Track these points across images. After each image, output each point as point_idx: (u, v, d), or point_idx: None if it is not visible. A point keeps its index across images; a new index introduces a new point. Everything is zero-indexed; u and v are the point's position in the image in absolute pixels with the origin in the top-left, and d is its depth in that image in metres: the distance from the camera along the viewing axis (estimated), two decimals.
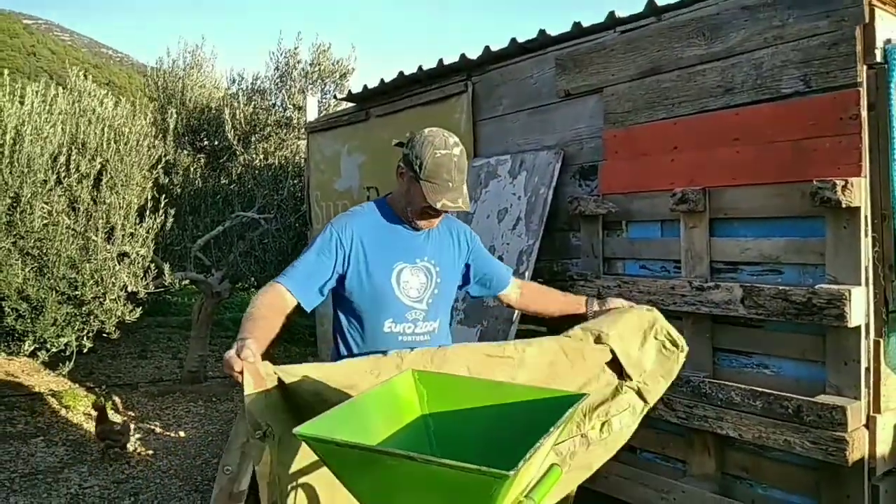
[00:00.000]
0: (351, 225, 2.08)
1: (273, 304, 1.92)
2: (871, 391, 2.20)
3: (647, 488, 2.64)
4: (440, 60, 3.89)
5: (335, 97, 7.41)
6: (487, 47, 3.61)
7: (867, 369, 2.18)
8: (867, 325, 2.18)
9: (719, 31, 2.51)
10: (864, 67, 2.15)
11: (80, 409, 5.54)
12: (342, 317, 2.14)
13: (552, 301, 2.35)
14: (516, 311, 3.08)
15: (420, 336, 2.10)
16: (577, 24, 3.17)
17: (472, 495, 1.08)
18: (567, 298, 2.34)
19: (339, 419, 1.31)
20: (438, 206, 1.96)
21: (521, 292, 2.35)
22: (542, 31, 3.30)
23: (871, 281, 2.19)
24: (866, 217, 2.16)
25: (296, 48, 7.84)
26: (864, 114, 2.14)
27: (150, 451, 4.76)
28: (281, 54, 7.88)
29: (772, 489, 2.40)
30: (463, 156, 2.02)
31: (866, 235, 2.16)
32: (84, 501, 3.91)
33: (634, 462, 2.81)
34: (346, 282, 2.06)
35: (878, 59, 2.14)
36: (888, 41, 2.16)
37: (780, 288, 2.24)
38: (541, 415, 1.31)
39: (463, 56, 3.74)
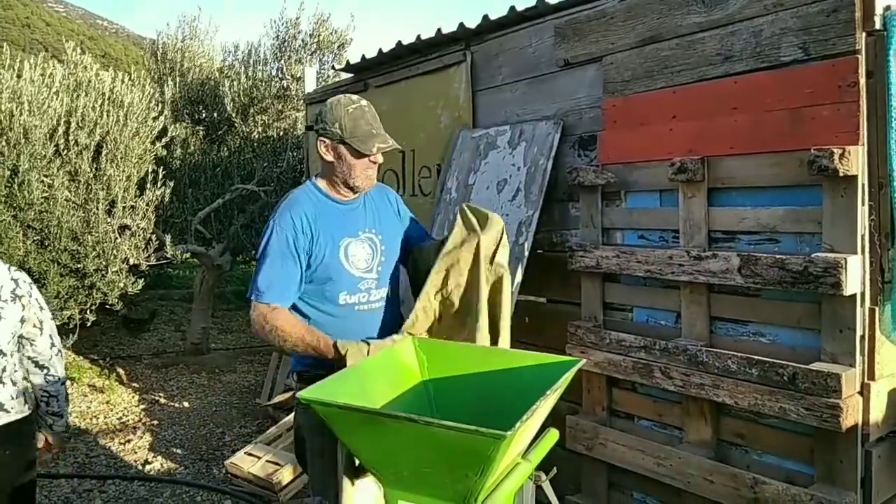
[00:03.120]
0: (297, 217, 2.13)
1: (292, 320, 2.04)
2: (866, 359, 2.22)
3: (645, 455, 2.68)
4: (438, 29, 3.86)
5: (333, 68, 7.36)
6: (486, 16, 3.59)
7: (862, 337, 2.20)
8: (863, 294, 2.20)
9: None
10: (864, 34, 2.14)
11: (84, 381, 5.61)
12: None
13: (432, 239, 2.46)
14: (516, 282, 3.10)
15: (374, 304, 2.20)
16: None
17: (471, 456, 1.11)
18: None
19: (343, 383, 1.34)
20: (374, 150, 2.08)
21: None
22: None
23: (867, 249, 2.20)
24: (863, 185, 2.16)
25: (297, 18, 7.77)
26: (863, 81, 2.13)
27: (156, 422, 4.83)
28: (282, 23, 7.81)
29: (767, 455, 2.43)
30: (371, 107, 2.15)
31: (863, 204, 2.17)
32: (92, 470, 3.98)
33: (631, 429, 2.85)
34: (301, 268, 2.14)
35: (878, 25, 2.13)
36: (888, 8, 2.14)
37: (777, 257, 2.26)
38: (536, 379, 1.34)
39: (461, 25, 3.71)
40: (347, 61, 4.81)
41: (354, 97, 2.17)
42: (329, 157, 2.15)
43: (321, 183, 2.22)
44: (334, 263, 2.12)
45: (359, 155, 2.09)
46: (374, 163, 2.15)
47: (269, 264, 2.06)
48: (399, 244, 2.33)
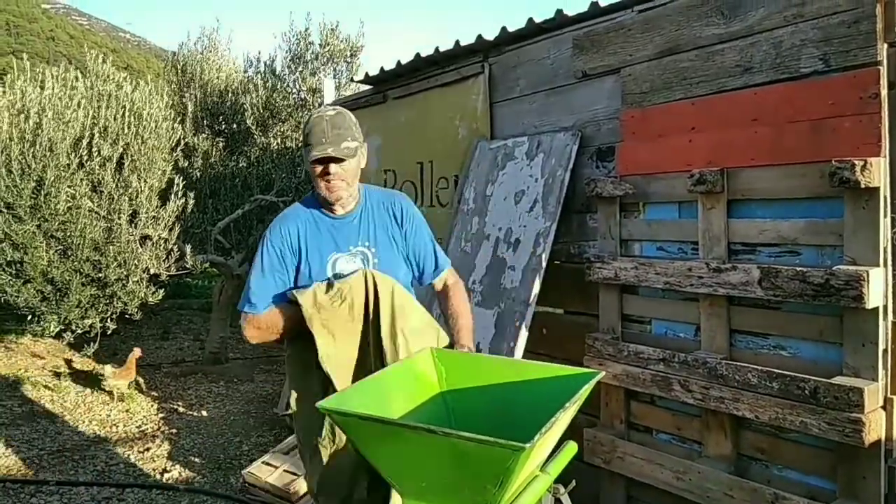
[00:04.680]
0: (286, 231, 2.14)
1: (271, 313, 2.06)
2: (889, 373, 2.19)
3: (663, 469, 2.66)
4: (457, 41, 3.88)
5: (352, 80, 7.42)
6: (504, 28, 3.60)
7: (885, 351, 2.17)
8: (885, 307, 2.17)
9: (738, 9, 2.49)
10: (885, 45, 2.13)
11: (105, 389, 5.66)
12: None
13: (451, 317, 2.25)
14: (533, 294, 3.10)
15: None
16: (594, 4, 3.15)
17: (490, 467, 1.11)
18: (456, 324, 2.21)
19: (362, 394, 1.34)
20: (310, 158, 2.04)
21: (441, 289, 2.31)
22: (559, 11, 3.29)
23: (889, 262, 2.18)
24: (885, 198, 2.14)
25: (306, 29, 7.85)
26: (885, 93, 2.11)
27: (174, 430, 4.86)
28: (293, 35, 7.90)
29: (787, 470, 2.40)
30: (339, 115, 2.09)
31: (885, 216, 2.14)
32: (110, 478, 4.01)
33: (650, 443, 2.83)
34: (289, 281, 2.14)
35: None
36: None
37: (798, 269, 2.24)
38: (555, 391, 1.34)
39: (479, 37, 3.73)
40: (366, 73, 4.85)
41: (329, 108, 2.14)
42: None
43: (318, 197, 2.20)
44: (321, 279, 2.09)
45: (309, 164, 2.07)
46: (327, 173, 2.05)
47: (257, 277, 2.10)
48: (397, 257, 2.21)
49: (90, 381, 5.82)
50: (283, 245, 2.11)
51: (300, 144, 1.98)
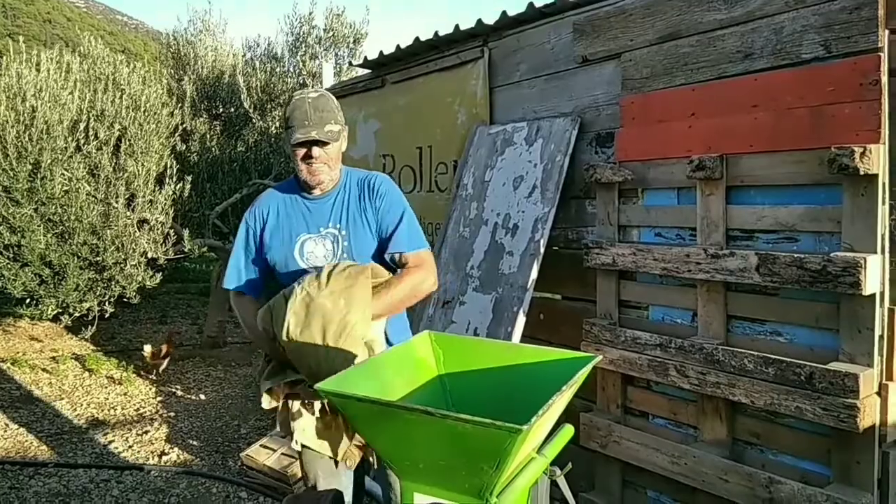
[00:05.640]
0: (258, 209, 2.19)
1: (251, 312, 2.11)
2: (885, 359, 2.20)
3: (659, 453, 2.67)
4: (456, 25, 3.86)
5: (350, 63, 7.39)
6: (504, 12, 3.58)
7: (881, 337, 2.18)
8: (882, 294, 2.18)
9: None
10: (886, 32, 2.12)
11: (102, 372, 5.68)
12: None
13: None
14: (531, 279, 3.11)
15: None
16: None
17: (487, 449, 1.12)
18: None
19: (360, 376, 1.35)
20: (293, 141, 2.02)
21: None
22: None
23: (887, 249, 2.18)
24: (884, 185, 2.14)
25: (311, 14, 7.81)
26: (885, 79, 2.11)
27: (172, 414, 4.88)
28: (295, 19, 7.85)
29: (782, 455, 2.42)
30: (322, 98, 2.07)
31: (884, 203, 2.15)
32: (108, 460, 4.03)
33: (646, 427, 2.84)
34: (266, 261, 2.19)
35: None
36: None
37: (796, 256, 2.24)
38: (552, 375, 1.34)
39: (479, 21, 3.71)
40: (365, 57, 4.82)
41: (311, 90, 2.10)
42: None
43: (296, 179, 2.18)
44: (288, 260, 2.10)
45: (291, 147, 2.05)
46: (309, 157, 2.03)
47: (234, 253, 2.21)
48: (369, 239, 2.13)
49: (88, 364, 5.83)
50: (255, 223, 2.17)
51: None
